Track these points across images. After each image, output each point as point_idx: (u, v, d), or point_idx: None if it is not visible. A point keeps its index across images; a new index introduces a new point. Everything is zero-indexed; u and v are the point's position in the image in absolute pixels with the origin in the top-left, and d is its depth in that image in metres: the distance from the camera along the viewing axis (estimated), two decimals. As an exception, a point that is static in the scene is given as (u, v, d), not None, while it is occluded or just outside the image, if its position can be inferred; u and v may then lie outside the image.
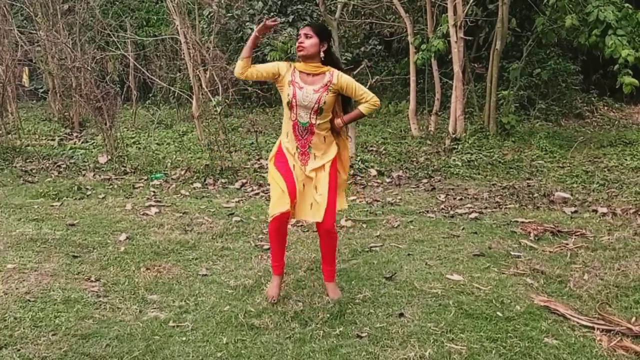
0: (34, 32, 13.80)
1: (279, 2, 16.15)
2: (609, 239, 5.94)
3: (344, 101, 4.58)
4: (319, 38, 4.35)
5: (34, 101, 17.87)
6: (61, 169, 9.67)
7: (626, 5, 9.81)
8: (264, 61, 15.37)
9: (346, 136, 4.67)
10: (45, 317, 4.22)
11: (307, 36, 4.32)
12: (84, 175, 9.32)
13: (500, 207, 7.45)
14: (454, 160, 10.00)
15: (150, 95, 15.82)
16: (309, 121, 4.38)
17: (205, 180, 8.98)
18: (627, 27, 9.54)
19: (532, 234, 6.12)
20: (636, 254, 5.43)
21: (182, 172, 9.33)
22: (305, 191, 4.45)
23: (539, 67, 14.03)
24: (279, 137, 4.68)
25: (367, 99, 4.42)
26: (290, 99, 4.35)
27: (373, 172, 9.37)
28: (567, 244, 5.80)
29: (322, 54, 4.39)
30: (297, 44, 4.35)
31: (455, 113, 11.06)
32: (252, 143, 11.42)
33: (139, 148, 11.26)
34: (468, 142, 10.69)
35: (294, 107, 4.36)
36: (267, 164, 9.78)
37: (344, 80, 4.39)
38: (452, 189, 8.48)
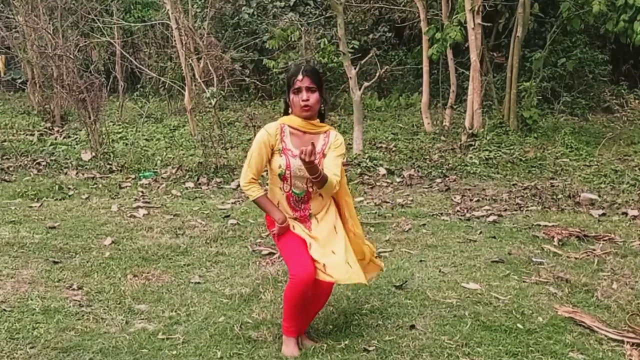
0: (11, 16, 13.83)
1: (280, -15, 16.18)
2: (639, 244, 5.93)
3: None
4: (320, 88, 3.88)
5: (11, 92, 17.92)
6: (41, 167, 9.68)
7: None
8: (262, 49, 15.45)
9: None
10: (22, 328, 4.22)
11: (310, 90, 3.83)
12: (65, 173, 9.33)
13: (521, 209, 7.45)
14: (471, 158, 9.99)
15: (139, 86, 15.87)
16: (306, 190, 3.96)
17: (198, 180, 8.99)
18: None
19: (555, 239, 6.10)
20: (670, 261, 5.42)
21: (173, 171, 9.34)
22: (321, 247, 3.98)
23: (564, 56, 14.03)
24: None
25: (338, 177, 3.92)
26: (283, 170, 3.89)
27: (382, 170, 9.37)
28: (594, 250, 5.79)
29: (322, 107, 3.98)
30: (301, 104, 3.82)
31: (472, 106, 11.06)
32: (250, 139, 11.43)
33: (126, 144, 11.28)
34: (486, 138, 10.69)
35: (288, 178, 3.92)
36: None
37: (339, 143, 3.99)
38: (469, 190, 8.47)
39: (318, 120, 3.96)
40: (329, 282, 3.92)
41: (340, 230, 4.04)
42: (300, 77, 3.81)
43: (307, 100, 3.81)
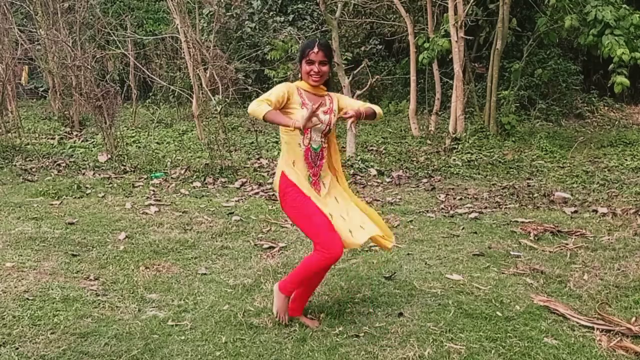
0: (34, 30, 13.82)
1: (279, 1, 16.16)
2: (608, 239, 5.93)
3: None
4: (329, 61, 3.99)
5: (34, 100, 17.90)
6: (61, 168, 9.66)
7: (623, 6, 9.85)
8: (264, 60, 15.43)
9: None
10: (43, 315, 4.21)
11: (322, 63, 3.93)
12: (83, 174, 9.31)
13: (500, 207, 7.45)
14: (454, 160, 9.99)
15: (151, 94, 15.83)
16: (321, 145, 4.02)
17: (205, 179, 8.97)
18: (624, 27, 9.59)
19: (532, 234, 6.11)
20: (636, 254, 5.42)
21: (182, 171, 9.32)
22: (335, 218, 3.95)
23: (540, 67, 14.05)
24: (279, 166, 4.10)
25: (366, 104, 4.13)
26: None
27: (373, 171, 9.36)
28: (567, 244, 5.79)
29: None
30: (313, 74, 3.92)
31: (456, 113, 11.06)
32: (252, 142, 11.42)
33: (139, 147, 11.26)
34: (468, 142, 10.69)
35: (309, 131, 3.90)
36: (266, 163, 9.82)
37: (344, 101, 4.17)
38: (452, 189, 8.47)
39: (323, 86, 4.08)
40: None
41: (346, 196, 4.15)
42: (315, 49, 3.90)
43: (319, 72, 3.94)
